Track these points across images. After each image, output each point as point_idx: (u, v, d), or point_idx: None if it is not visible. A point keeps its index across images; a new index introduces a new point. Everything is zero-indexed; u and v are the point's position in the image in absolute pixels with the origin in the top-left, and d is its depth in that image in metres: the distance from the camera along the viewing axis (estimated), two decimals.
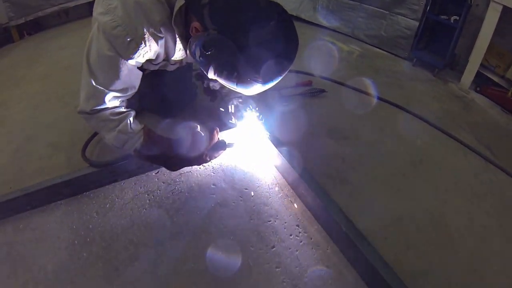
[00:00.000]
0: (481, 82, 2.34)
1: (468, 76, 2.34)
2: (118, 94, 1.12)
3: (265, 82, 0.96)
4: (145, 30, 1.02)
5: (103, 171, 1.35)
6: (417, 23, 2.46)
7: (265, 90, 1.04)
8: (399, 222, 1.30)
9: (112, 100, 1.12)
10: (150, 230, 1.21)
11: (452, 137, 1.80)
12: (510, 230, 1.33)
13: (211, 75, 1.00)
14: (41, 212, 1.28)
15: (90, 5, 3.22)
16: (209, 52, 0.94)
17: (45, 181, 1.30)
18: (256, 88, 0.99)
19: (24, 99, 1.97)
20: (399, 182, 1.48)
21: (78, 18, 3.34)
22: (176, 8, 1.02)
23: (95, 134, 1.49)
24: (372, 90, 2.08)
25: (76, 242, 1.17)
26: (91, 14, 1.13)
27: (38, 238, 1.19)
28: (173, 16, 1.03)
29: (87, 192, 1.35)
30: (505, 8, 2.04)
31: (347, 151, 1.60)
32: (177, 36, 1.11)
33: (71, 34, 3.01)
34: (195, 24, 0.99)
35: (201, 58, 0.97)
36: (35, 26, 3.16)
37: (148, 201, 1.32)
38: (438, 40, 2.49)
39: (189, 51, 1.04)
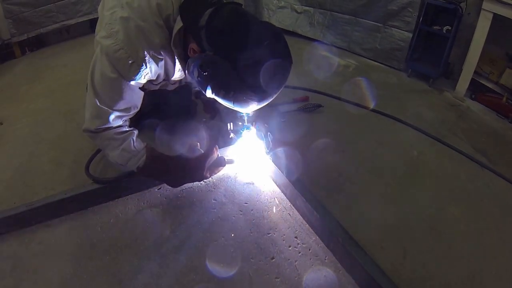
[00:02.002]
0: (476, 90, 2.37)
1: (463, 84, 2.38)
2: (121, 114, 1.17)
3: (260, 100, 1.00)
4: (145, 52, 1.06)
5: (107, 187, 1.38)
6: (410, 35, 2.52)
7: (262, 107, 1.07)
8: (396, 231, 1.31)
9: (115, 120, 1.17)
10: (153, 244, 1.24)
11: (448, 146, 1.82)
12: (507, 234, 1.34)
13: (209, 94, 1.04)
14: (46, 226, 1.31)
15: (91, 22, 3.31)
16: (206, 73, 0.98)
17: (50, 196, 1.34)
18: (252, 106, 1.02)
19: (27, 115, 2.02)
20: (395, 192, 1.50)
21: (79, 35, 3.41)
22: (174, 31, 1.08)
23: (98, 150, 1.53)
24: (368, 103, 2.11)
25: (81, 256, 1.20)
26: (92, 31, 1.18)
27: (43, 252, 1.22)
28: (172, 39, 1.08)
29: (92, 208, 1.38)
30: (495, 16, 2.10)
31: (344, 164, 1.62)
32: (176, 57, 1.16)
33: (72, 51, 3.07)
34: (193, 45, 1.04)
35: (199, 78, 1.02)
36: (37, 43, 3.24)
37: (151, 216, 1.35)
38: (432, 50, 2.54)
39: (188, 71, 1.08)
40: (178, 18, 1.07)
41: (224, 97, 1.01)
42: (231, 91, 0.98)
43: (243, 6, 1.09)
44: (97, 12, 1.32)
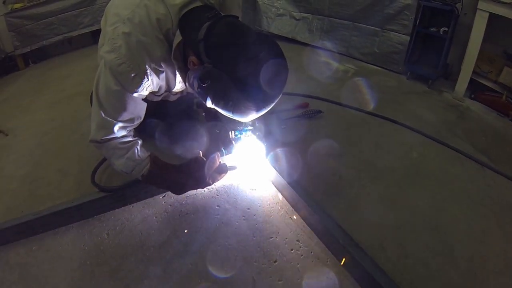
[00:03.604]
0: (475, 89, 2.37)
1: (462, 84, 2.38)
2: (125, 124, 1.21)
3: (258, 109, 1.02)
4: (147, 65, 1.10)
5: (112, 196, 1.41)
6: (408, 38, 2.53)
7: (263, 115, 1.09)
8: (397, 233, 1.33)
9: (120, 130, 1.21)
10: (159, 250, 1.27)
11: (448, 146, 1.82)
12: (509, 232, 1.34)
13: (209, 104, 1.07)
14: (54, 234, 1.34)
15: (93, 34, 3.36)
16: (205, 84, 1.01)
17: (57, 205, 1.37)
18: (252, 115, 1.05)
19: (32, 126, 2.06)
20: (395, 194, 1.51)
21: (81, 47, 3.46)
22: (174, 44, 1.11)
23: (104, 160, 1.57)
24: (368, 106, 2.12)
25: (88, 262, 1.23)
26: (94, 43, 1.22)
27: (51, 259, 1.25)
28: (172, 52, 1.12)
29: (98, 216, 1.41)
30: (491, 15, 2.11)
31: (344, 167, 1.64)
32: (176, 69, 1.19)
33: (74, 62, 3.10)
34: (192, 58, 1.07)
35: (199, 90, 1.05)
36: (40, 55, 3.31)
37: (156, 223, 1.38)
38: (430, 52, 2.55)
39: (188, 83, 1.11)
40: (178, 32, 1.11)
41: (223, 107, 1.04)
42: (230, 101, 1.00)
43: (240, 18, 1.12)
44: (98, 23, 1.36)
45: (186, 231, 1.34)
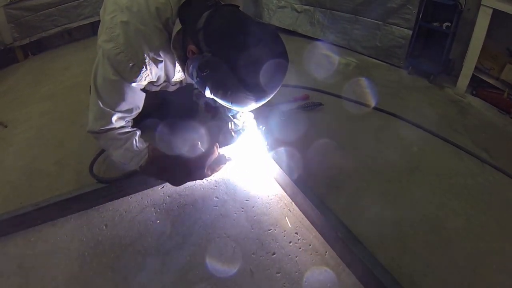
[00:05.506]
0: (477, 85, 2.36)
1: (464, 80, 2.36)
2: (123, 115, 1.20)
3: (258, 99, 1.01)
4: (145, 55, 1.09)
5: (110, 187, 1.41)
6: (410, 32, 2.51)
7: (262, 106, 1.08)
8: (396, 227, 1.32)
9: (118, 120, 1.20)
10: (157, 241, 1.27)
11: (448, 142, 1.82)
12: (508, 229, 1.34)
13: (208, 94, 1.05)
14: (52, 226, 1.34)
15: (93, 25, 3.33)
16: (204, 73, 0.99)
17: (56, 196, 1.36)
18: (251, 106, 1.04)
19: (31, 118, 2.06)
20: (395, 189, 1.51)
21: (81, 38, 3.43)
22: (173, 33, 1.09)
23: (102, 151, 1.56)
24: (369, 100, 2.11)
25: (86, 253, 1.23)
26: (93, 34, 1.21)
27: (49, 251, 1.25)
28: (172, 41, 1.10)
29: (96, 207, 1.41)
30: (495, 11, 2.09)
31: (344, 161, 1.63)
32: (175, 58, 1.18)
33: (74, 54, 3.10)
34: (192, 47, 1.05)
35: (198, 79, 1.03)
36: (39, 46, 3.27)
37: (154, 214, 1.37)
38: (432, 47, 2.54)
39: (187, 72, 1.10)
40: (177, 20, 1.09)
41: (222, 97, 1.03)
42: (228, 91, 0.99)
43: (241, 8, 1.11)
44: (98, 15, 1.34)
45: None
